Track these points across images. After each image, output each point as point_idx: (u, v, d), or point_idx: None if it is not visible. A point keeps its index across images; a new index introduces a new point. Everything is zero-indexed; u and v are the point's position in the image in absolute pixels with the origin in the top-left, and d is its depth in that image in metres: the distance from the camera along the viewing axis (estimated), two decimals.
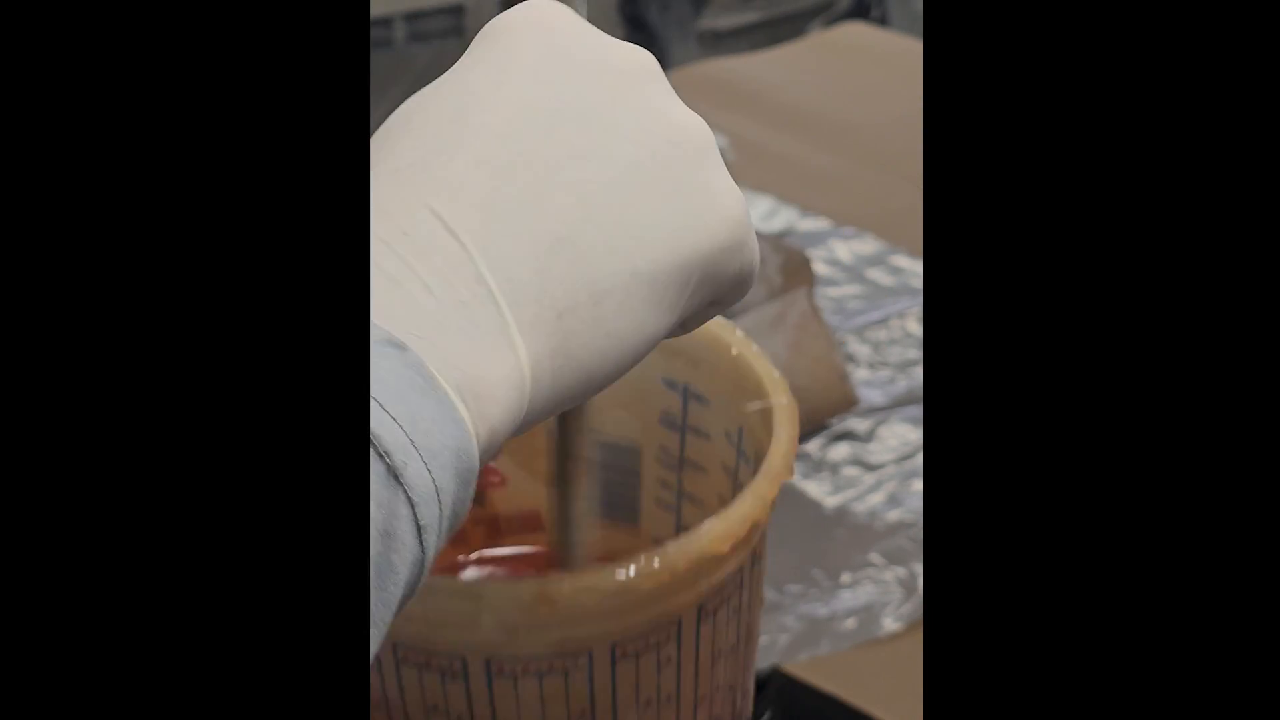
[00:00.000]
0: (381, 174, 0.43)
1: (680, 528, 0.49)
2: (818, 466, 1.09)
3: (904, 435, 1.13)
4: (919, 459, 1.10)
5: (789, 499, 1.06)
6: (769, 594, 0.96)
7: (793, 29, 2.28)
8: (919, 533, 1.02)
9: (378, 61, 2.03)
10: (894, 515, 1.04)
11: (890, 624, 0.94)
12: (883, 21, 2.35)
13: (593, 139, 0.43)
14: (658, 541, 0.52)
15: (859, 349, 1.23)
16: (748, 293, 0.45)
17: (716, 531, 0.46)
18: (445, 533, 0.39)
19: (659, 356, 0.47)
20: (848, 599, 0.96)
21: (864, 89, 1.72)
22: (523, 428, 0.42)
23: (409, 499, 0.38)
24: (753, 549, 0.49)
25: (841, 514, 1.04)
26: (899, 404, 1.16)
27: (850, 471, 1.09)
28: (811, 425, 1.09)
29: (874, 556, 1.00)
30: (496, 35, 0.45)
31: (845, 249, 1.40)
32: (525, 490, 0.60)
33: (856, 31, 1.93)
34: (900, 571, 0.98)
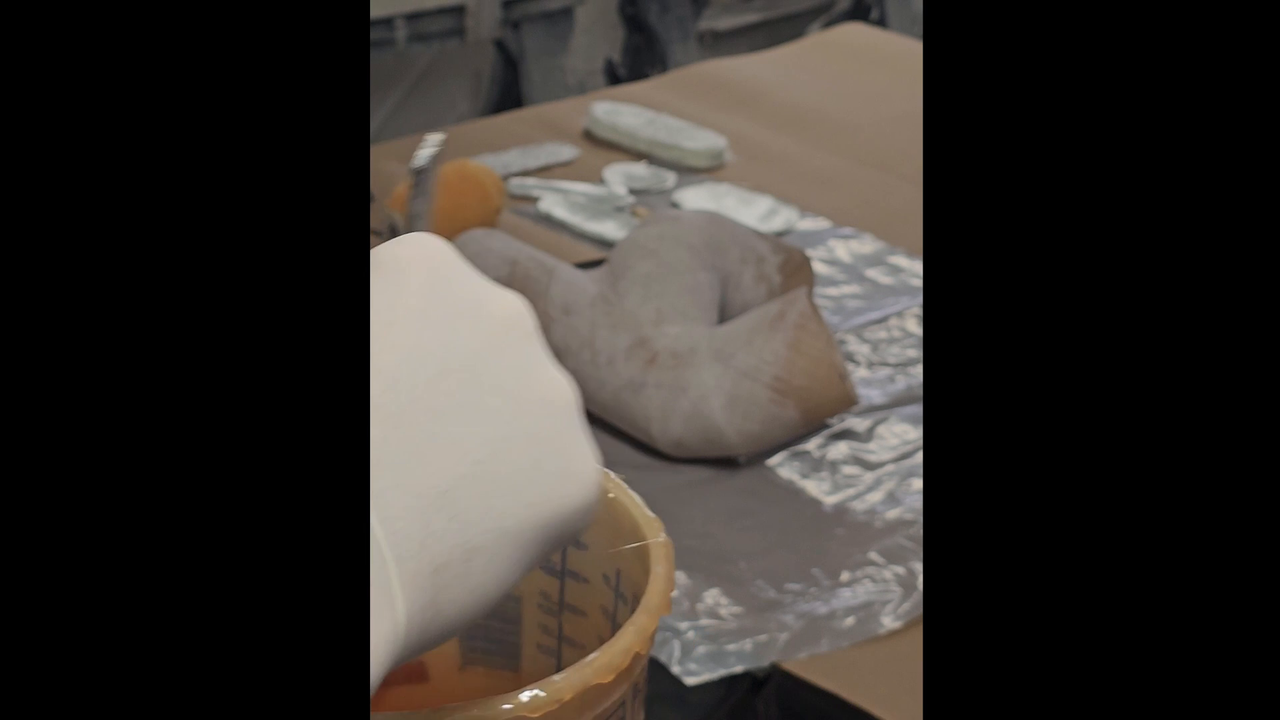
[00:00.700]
0: None
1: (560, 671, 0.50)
2: (817, 465, 1.09)
3: (903, 434, 1.13)
4: (918, 457, 1.11)
5: (789, 498, 1.07)
6: (770, 592, 0.97)
7: (792, 30, 2.28)
8: (918, 531, 1.02)
9: (378, 61, 2.03)
10: (893, 514, 1.04)
11: (889, 622, 0.94)
12: (882, 22, 2.35)
13: (474, 393, 0.42)
14: None
15: (858, 348, 1.24)
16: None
17: (600, 663, 0.48)
18: None
19: None
20: (847, 597, 0.96)
21: (863, 89, 1.72)
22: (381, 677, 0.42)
23: None
24: (633, 681, 0.50)
25: (841, 512, 1.04)
26: (898, 403, 1.16)
27: (849, 470, 1.09)
28: (811, 424, 1.09)
29: (873, 555, 1.00)
30: (387, 269, 0.43)
31: (844, 248, 1.40)
32: None
33: (856, 32, 1.94)
34: (899, 569, 0.98)
